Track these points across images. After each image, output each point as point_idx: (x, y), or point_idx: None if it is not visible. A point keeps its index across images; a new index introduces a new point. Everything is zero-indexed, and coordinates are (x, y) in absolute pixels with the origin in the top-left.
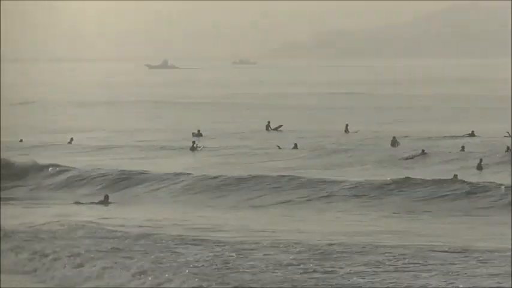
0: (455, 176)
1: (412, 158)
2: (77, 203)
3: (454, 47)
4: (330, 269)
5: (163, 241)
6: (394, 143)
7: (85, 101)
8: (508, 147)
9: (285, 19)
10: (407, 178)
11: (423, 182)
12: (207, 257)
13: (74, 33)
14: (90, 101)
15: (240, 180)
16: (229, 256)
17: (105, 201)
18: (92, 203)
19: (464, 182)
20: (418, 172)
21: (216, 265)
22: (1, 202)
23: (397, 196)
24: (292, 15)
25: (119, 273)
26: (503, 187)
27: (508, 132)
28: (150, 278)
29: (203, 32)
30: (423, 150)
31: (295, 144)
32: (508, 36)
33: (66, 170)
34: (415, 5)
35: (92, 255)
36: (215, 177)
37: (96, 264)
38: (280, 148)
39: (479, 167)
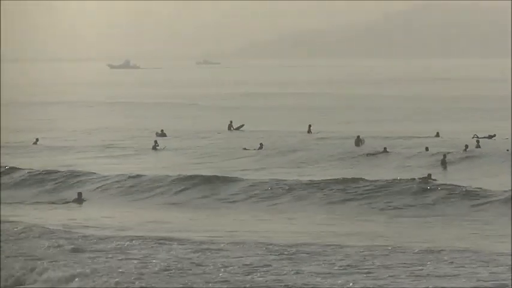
0: (429, 175)
1: (373, 155)
2: (52, 203)
3: (425, 46)
4: (290, 270)
5: (118, 242)
6: (358, 142)
7: (52, 102)
8: (466, 146)
9: (253, 19)
10: (361, 179)
11: (378, 181)
12: (162, 257)
13: (66, 33)
14: (57, 101)
15: (204, 180)
16: (184, 257)
17: (79, 199)
18: (65, 202)
19: (413, 180)
20: (378, 170)
21: (168, 266)
22: None
23: (353, 195)
24: (260, 14)
25: (61, 274)
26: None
27: (475, 135)
28: (86, 280)
29: (170, 31)
30: (385, 148)
31: (261, 144)
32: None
33: (16, 170)
34: (386, 5)
35: (43, 257)
36: (176, 177)
37: (43, 265)
38: (246, 149)
39: (443, 163)
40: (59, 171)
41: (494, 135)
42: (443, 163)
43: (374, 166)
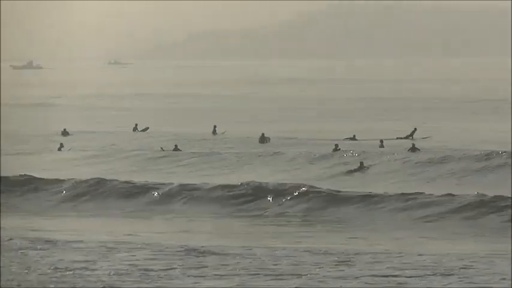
0: (362, 163)
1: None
2: None
3: (337, 46)
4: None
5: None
6: (263, 139)
7: None
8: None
9: (161, 19)
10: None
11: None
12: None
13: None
14: None
15: (102, 183)
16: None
17: None
18: None
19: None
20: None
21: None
22: None
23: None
24: (171, 15)
25: None
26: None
27: (399, 138)
28: None
29: (80, 31)
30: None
31: (176, 146)
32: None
33: None
34: (293, 5)
35: None
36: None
37: None
38: (163, 150)
39: (336, 150)
40: None
41: (415, 129)
42: (336, 150)
43: (268, 169)
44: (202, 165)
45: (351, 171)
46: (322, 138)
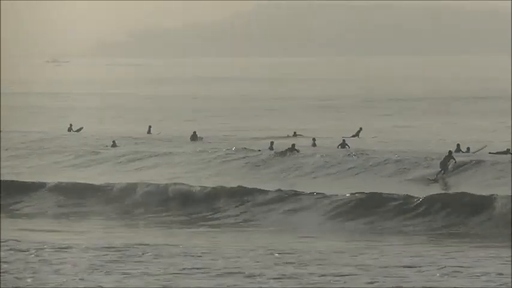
0: (293, 145)
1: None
2: None
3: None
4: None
5: None
6: (195, 137)
7: None
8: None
9: (100, 18)
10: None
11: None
12: None
13: None
14: None
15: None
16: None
17: None
18: None
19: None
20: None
21: None
22: None
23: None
24: (110, 13)
25: None
26: None
27: (345, 137)
28: None
29: (18, 29)
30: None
31: (114, 142)
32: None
33: None
34: (234, 5)
35: None
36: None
37: None
38: (107, 147)
39: (271, 148)
40: None
41: (360, 129)
42: (271, 148)
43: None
44: (120, 164)
45: (282, 152)
46: (261, 137)
